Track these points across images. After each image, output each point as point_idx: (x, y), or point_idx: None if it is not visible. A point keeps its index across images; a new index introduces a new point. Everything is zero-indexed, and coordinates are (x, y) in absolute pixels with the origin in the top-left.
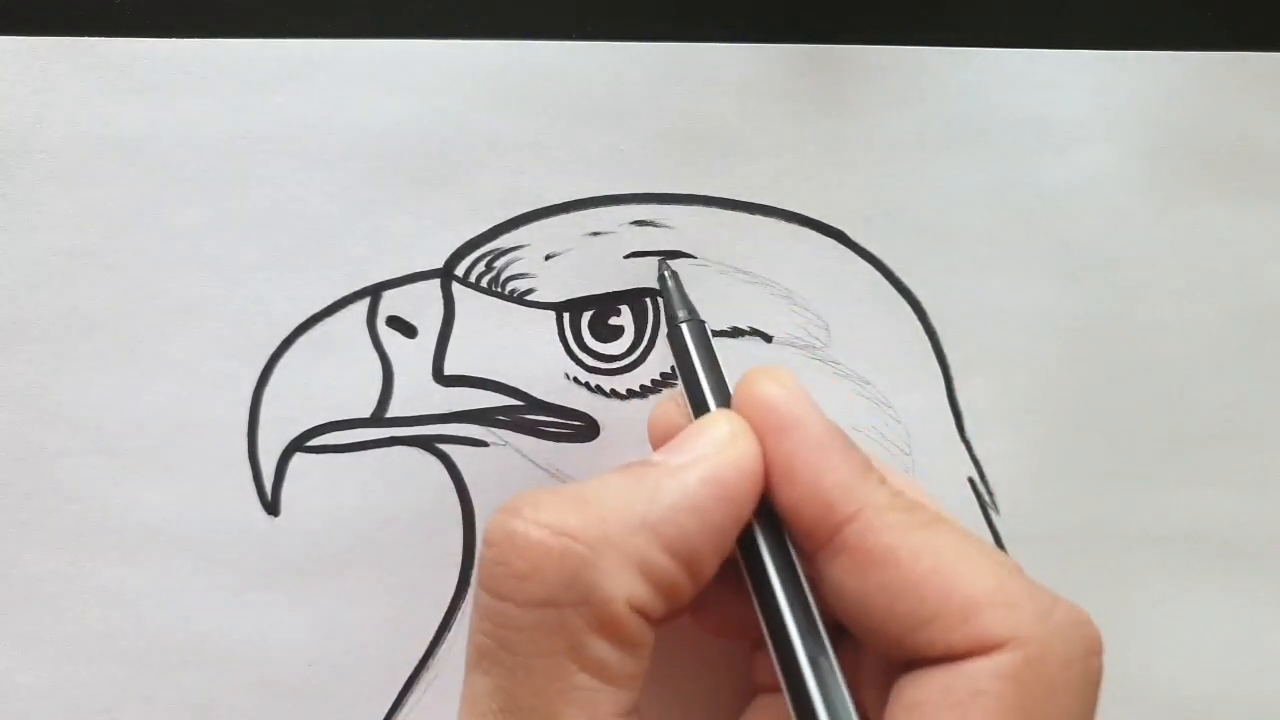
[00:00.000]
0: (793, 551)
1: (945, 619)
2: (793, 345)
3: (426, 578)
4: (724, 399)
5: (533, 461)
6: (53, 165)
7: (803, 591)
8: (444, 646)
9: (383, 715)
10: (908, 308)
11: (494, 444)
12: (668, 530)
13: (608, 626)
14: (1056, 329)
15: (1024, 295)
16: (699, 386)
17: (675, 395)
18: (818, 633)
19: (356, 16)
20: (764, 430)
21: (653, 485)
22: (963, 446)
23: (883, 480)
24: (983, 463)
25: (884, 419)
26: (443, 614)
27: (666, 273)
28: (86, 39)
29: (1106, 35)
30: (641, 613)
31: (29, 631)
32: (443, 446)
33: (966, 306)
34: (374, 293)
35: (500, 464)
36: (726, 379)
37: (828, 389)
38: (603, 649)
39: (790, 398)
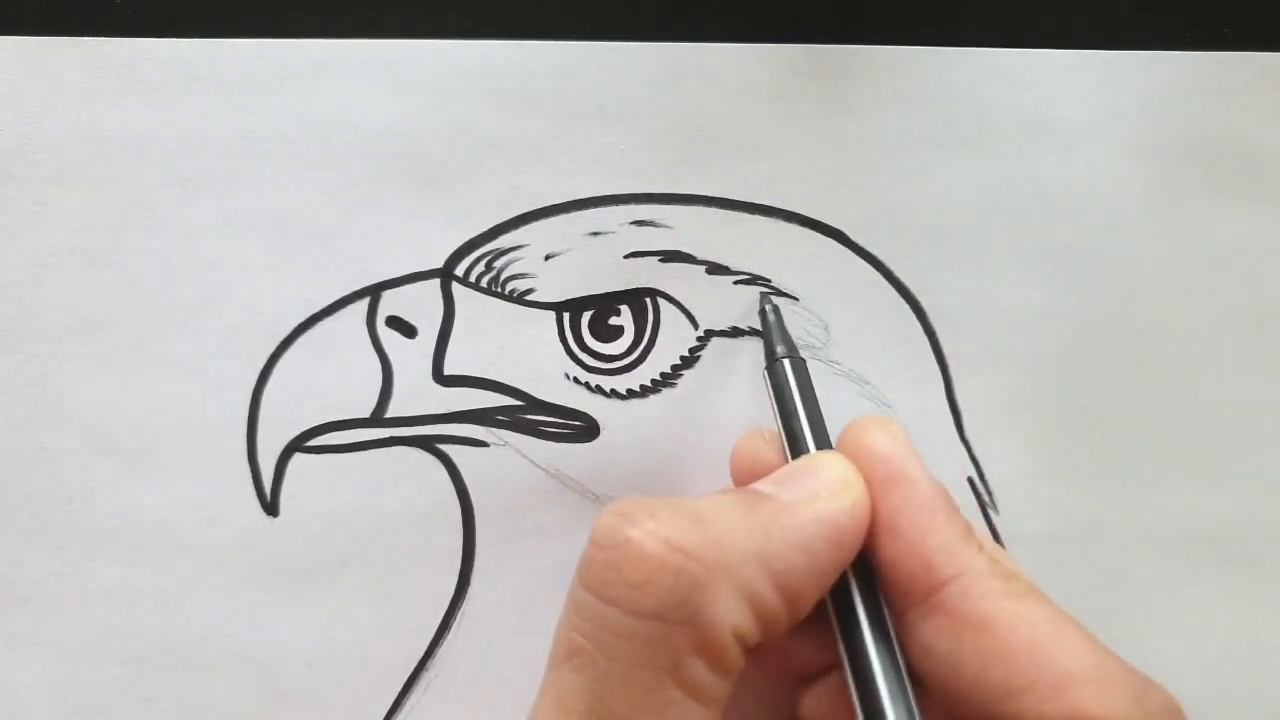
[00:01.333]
0: (884, 604)
1: (1039, 691)
2: None
3: (426, 578)
4: (823, 439)
5: (533, 461)
6: (53, 165)
7: (892, 644)
8: (444, 647)
9: (382, 715)
10: (907, 308)
11: (494, 444)
12: (778, 565)
13: (709, 650)
14: (1056, 329)
15: (1024, 295)
16: (799, 424)
17: (761, 431)
18: (904, 687)
19: (356, 16)
20: (871, 481)
21: (767, 518)
22: (962, 446)
23: (981, 546)
24: (982, 462)
25: None
26: (442, 614)
27: (768, 307)
28: (86, 39)
29: (1106, 35)
30: (740, 640)
31: (29, 631)
32: (442, 446)
33: (966, 306)
34: (374, 293)
35: (500, 464)
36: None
37: (828, 389)
38: (700, 670)
39: (900, 451)
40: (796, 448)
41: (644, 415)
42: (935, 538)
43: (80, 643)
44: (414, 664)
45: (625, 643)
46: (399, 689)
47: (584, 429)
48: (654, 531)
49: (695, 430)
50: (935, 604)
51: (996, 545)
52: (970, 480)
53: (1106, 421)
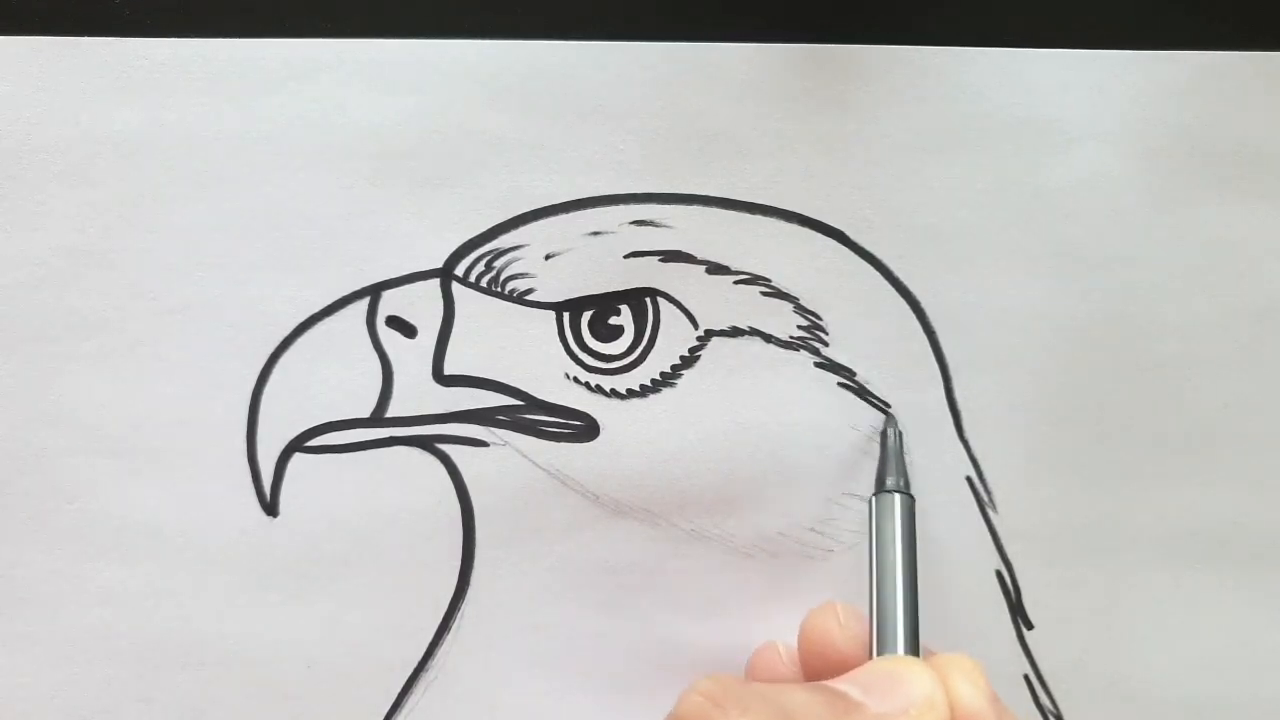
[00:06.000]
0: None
1: None
2: (792, 345)
3: (426, 578)
4: (912, 607)
5: (533, 461)
6: (53, 165)
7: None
8: (443, 647)
9: (382, 715)
10: (907, 307)
11: (494, 444)
12: None
13: None
14: (1056, 329)
15: (1023, 295)
16: (895, 590)
17: (835, 609)
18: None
19: (356, 16)
20: None
21: None
22: (961, 445)
23: None
24: (981, 461)
25: (883, 418)
26: (442, 615)
27: (890, 431)
28: (86, 39)
29: (1106, 35)
30: None
31: (29, 631)
32: (443, 446)
33: (966, 306)
34: (374, 292)
35: (500, 464)
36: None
37: (828, 389)
38: None
39: (984, 712)
40: (885, 619)
41: (644, 415)
42: None
43: (80, 643)
44: (414, 664)
45: None
46: (399, 689)
47: (584, 429)
48: None
49: (695, 430)
50: None
51: None
52: (969, 479)
53: (1106, 421)
